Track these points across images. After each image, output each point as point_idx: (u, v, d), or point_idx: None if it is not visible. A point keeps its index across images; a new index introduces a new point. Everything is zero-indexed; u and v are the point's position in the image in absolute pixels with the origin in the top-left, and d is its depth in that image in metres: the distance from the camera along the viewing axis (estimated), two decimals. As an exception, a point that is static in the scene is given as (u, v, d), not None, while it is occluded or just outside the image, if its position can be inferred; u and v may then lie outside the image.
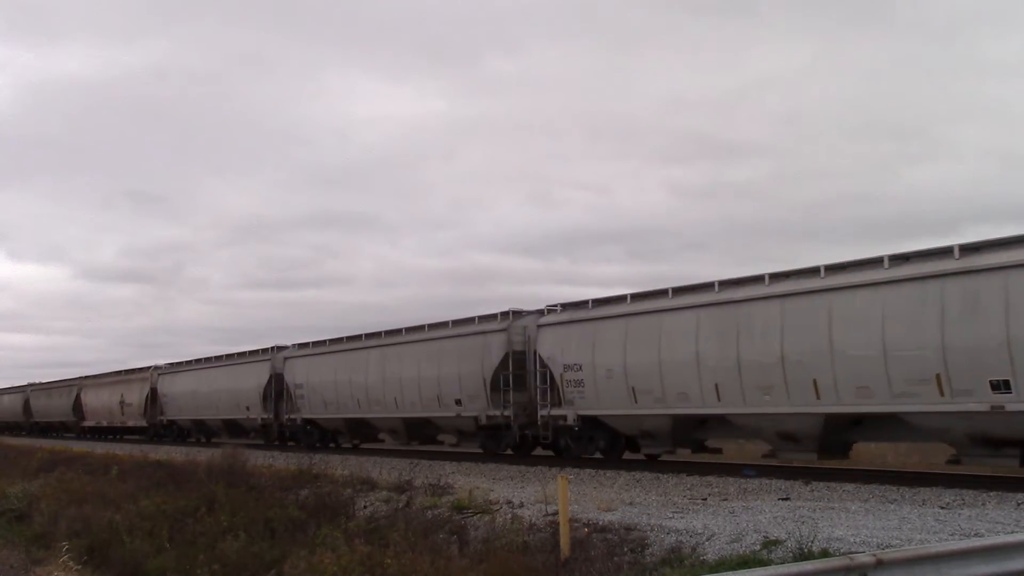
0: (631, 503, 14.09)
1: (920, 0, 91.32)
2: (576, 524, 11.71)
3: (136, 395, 48.08)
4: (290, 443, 35.20)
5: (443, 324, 27.38)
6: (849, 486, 15.26)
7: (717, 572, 8.00)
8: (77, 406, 56.43)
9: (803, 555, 9.00)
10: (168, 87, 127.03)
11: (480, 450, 25.97)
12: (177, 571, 13.19)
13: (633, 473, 19.06)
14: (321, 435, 34.09)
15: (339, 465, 22.10)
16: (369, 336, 30.94)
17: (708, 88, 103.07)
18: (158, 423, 45.92)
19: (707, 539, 10.60)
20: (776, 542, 9.90)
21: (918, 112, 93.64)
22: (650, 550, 10.68)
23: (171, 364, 46.64)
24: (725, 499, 14.46)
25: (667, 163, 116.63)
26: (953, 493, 13.85)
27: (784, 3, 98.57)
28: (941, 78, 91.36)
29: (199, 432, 43.99)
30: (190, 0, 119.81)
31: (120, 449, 36.54)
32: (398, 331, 29.44)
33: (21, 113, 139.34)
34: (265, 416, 36.23)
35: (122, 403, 49.62)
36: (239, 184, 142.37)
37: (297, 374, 34.50)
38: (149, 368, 47.87)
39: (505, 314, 24.78)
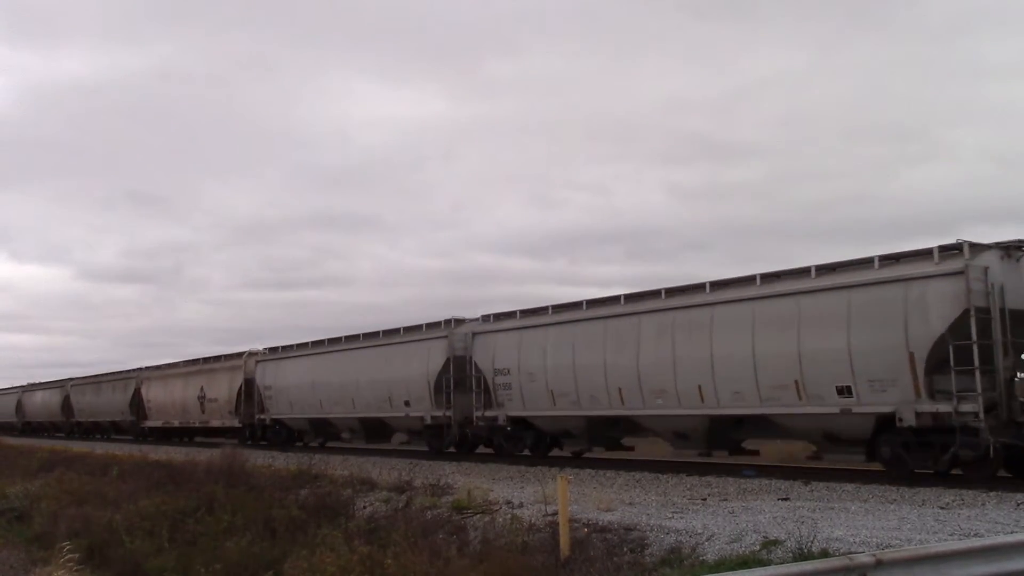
0: (631, 503, 14.10)
1: (917, 2, 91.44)
2: (576, 524, 11.71)
3: (224, 388, 38.87)
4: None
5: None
6: (849, 486, 15.27)
7: (717, 572, 8.01)
8: (136, 403, 47.35)
9: (803, 555, 9.01)
10: (170, 89, 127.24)
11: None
12: (177, 571, 13.19)
13: (633, 473, 19.08)
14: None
15: (339, 465, 22.11)
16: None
17: (707, 89, 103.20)
18: (257, 423, 36.59)
19: (707, 539, 10.61)
20: (776, 542, 9.91)
21: (916, 113, 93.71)
22: (650, 550, 10.68)
23: (275, 349, 37.05)
24: (725, 499, 14.47)
25: (666, 164, 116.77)
26: (953, 493, 13.86)
27: (782, 6, 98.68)
28: (939, 80, 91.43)
29: (318, 434, 34.55)
30: (192, 4, 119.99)
31: (119, 449, 36.51)
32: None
33: (23, 115, 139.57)
34: (437, 413, 27.06)
35: (203, 398, 40.44)
36: (240, 185, 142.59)
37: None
38: (243, 354, 38.49)
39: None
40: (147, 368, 48.41)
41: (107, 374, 53.34)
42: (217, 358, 41.03)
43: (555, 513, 11.72)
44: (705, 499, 14.56)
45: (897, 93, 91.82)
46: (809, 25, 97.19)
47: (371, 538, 12.43)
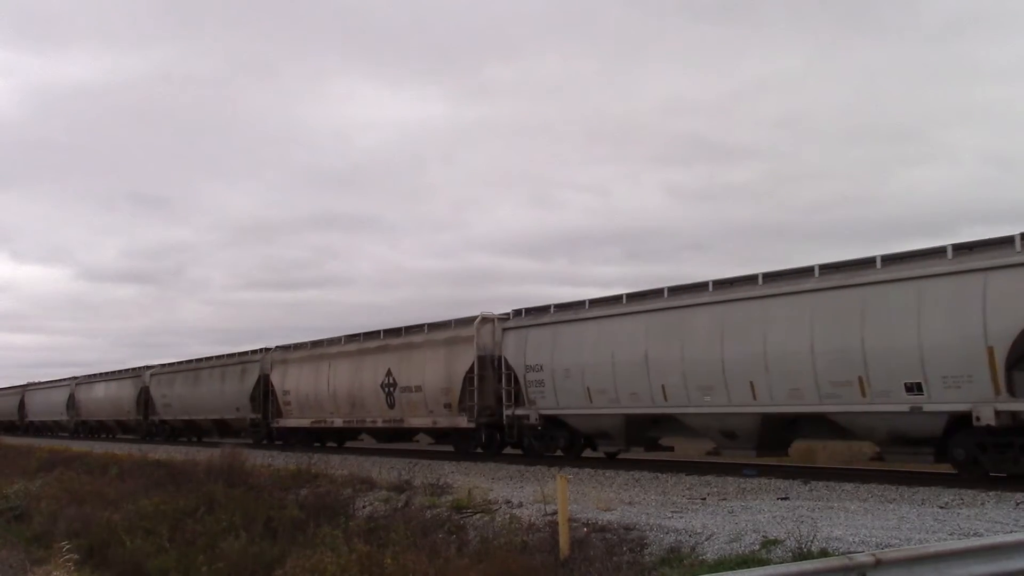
0: (630, 503, 14.09)
1: (913, 5, 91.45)
2: (575, 524, 11.71)
3: (439, 372, 26.14)
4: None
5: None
6: (848, 486, 15.26)
7: (716, 572, 8.01)
8: (261, 394, 34.91)
9: (802, 555, 9.01)
10: (172, 91, 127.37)
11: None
12: (177, 571, 13.20)
13: (632, 473, 19.07)
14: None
15: (338, 465, 22.10)
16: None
17: (705, 91, 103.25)
18: (509, 421, 24.03)
19: (706, 539, 10.61)
20: (775, 542, 9.91)
21: (914, 115, 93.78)
22: (649, 550, 10.68)
23: (529, 311, 24.60)
24: (724, 499, 14.47)
25: (665, 165, 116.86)
26: (952, 493, 13.85)
27: (779, 8, 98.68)
28: (935, 82, 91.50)
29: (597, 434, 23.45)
30: (195, 7, 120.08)
31: (119, 449, 36.49)
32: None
33: (26, 117, 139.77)
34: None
35: (391, 385, 27.80)
36: (241, 186, 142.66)
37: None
38: (472, 320, 25.56)
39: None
40: (278, 348, 35.20)
41: (211, 358, 40.34)
42: (418, 328, 27.88)
43: (555, 512, 11.72)
44: (704, 499, 14.55)
45: (894, 95, 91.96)
46: (806, 27, 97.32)
47: (370, 538, 12.44)
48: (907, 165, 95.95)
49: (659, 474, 18.60)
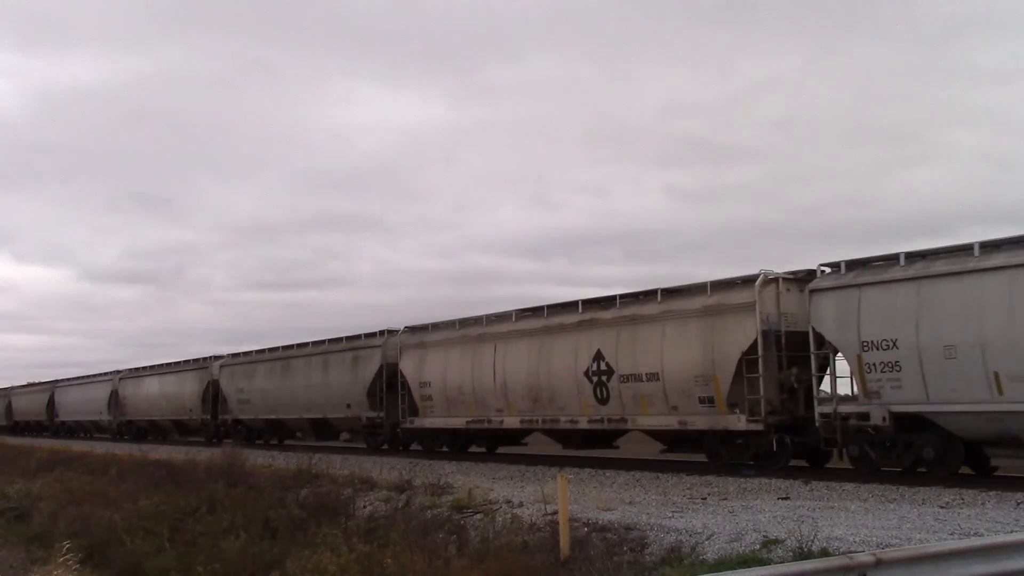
0: (631, 502, 14.09)
1: (910, 8, 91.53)
2: (576, 523, 11.70)
3: (692, 352, 19.42)
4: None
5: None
6: (849, 486, 15.24)
7: (717, 571, 8.00)
8: (382, 390, 28.74)
9: (803, 554, 9.00)
10: (173, 93, 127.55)
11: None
12: (177, 571, 13.19)
13: (633, 473, 19.05)
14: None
15: (339, 465, 22.08)
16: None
17: (705, 92, 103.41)
18: (849, 422, 17.56)
19: (707, 538, 10.60)
20: (776, 541, 9.90)
21: (912, 116, 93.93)
22: (650, 549, 10.67)
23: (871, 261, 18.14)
24: (724, 498, 14.46)
25: (665, 166, 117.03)
26: (952, 493, 13.84)
27: (777, 10, 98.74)
28: (933, 83, 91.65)
29: None
30: (196, 10, 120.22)
31: (119, 449, 36.49)
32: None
33: (29, 119, 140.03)
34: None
35: (602, 372, 21.15)
36: (242, 187, 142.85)
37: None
38: (752, 281, 18.76)
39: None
40: (409, 330, 28.94)
41: (306, 344, 34.38)
42: (648, 295, 21.18)
43: (555, 512, 11.71)
44: (705, 498, 14.54)
45: (892, 96, 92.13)
46: (804, 29, 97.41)
47: (371, 537, 12.43)
48: (906, 166, 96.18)
49: (659, 474, 18.58)
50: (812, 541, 9.35)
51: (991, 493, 13.58)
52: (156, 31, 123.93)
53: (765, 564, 8.59)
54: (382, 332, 29.62)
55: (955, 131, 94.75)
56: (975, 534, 9.66)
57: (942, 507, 12.45)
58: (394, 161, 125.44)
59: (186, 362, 44.07)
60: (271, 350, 36.65)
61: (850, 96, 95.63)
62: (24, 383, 68.88)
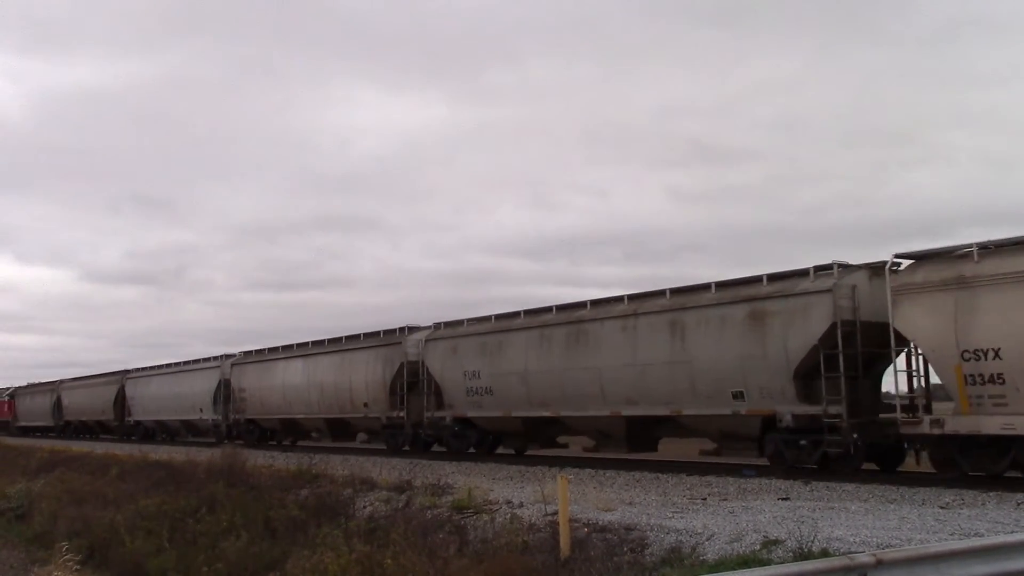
0: (631, 503, 14.08)
1: (908, 11, 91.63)
2: (576, 524, 11.69)
3: None
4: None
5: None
6: (849, 486, 15.25)
7: (717, 572, 8.00)
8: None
9: (803, 555, 8.99)
10: (176, 96, 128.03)
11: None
12: (177, 571, 13.19)
13: (633, 473, 19.05)
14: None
15: (339, 465, 22.08)
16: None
17: (704, 95, 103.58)
18: None
19: (707, 539, 10.59)
20: (776, 542, 9.90)
21: (910, 118, 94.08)
22: (650, 550, 10.67)
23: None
24: (725, 499, 14.45)
25: (664, 168, 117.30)
26: (953, 493, 13.84)
27: (776, 13, 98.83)
28: (931, 85, 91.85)
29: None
30: (200, 14, 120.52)
31: (119, 449, 36.48)
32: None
33: (33, 121, 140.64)
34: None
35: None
36: (243, 188, 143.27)
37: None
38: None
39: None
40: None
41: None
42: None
43: (555, 513, 11.71)
44: (705, 499, 14.54)
45: (891, 98, 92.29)
46: (803, 32, 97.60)
47: (371, 538, 12.42)
48: (904, 167, 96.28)
49: (660, 474, 18.58)
50: (812, 541, 9.34)
51: (991, 494, 13.58)
52: (159, 35, 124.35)
53: (765, 564, 8.58)
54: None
55: (953, 133, 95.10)
56: (976, 534, 9.66)
57: (942, 507, 12.45)
58: (395, 163, 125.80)
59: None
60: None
61: (849, 98, 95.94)
62: (79, 375, 59.76)
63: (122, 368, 51.36)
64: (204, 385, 40.56)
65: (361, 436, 32.39)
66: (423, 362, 27.03)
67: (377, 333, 30.05)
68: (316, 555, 11.33)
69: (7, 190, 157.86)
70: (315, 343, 33.67)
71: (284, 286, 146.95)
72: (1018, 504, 12.53)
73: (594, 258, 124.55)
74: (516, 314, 24.76)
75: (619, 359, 20.94)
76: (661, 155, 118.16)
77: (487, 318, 25.94)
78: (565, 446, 26.81)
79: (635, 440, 21.66)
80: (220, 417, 38.63)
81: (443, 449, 27.51)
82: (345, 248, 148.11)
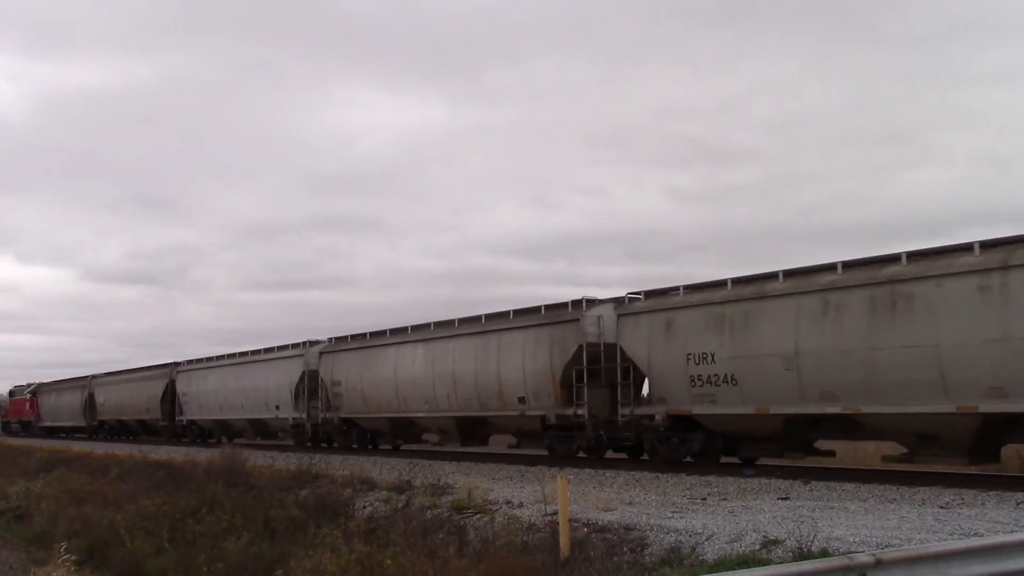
0: (630, 503, 14.08)
1: (906, 11, 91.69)
2: (576, 524, 11.69)
3: None
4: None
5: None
6: (848, 486, 15.25)
7: (717, 572, 8.00)
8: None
9: (803, 555, 8.99)
10: (177, 96, 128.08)
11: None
12: (177, 571, 13.19)
13: (632, 473, 19.04)
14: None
15: (339, 465, 22.08)
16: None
17: (703, 95, 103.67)
18: None
19: (706, 539, 10.59)
20: (776, 542, 9.90)
21: (909, 118, 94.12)
22: (649, 550, 10.66)
23: None
24: (724, 499, 14.45)
25: (664, 168, 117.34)
26: (952, 493, 13.84)
27: (774, 13, 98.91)
28: (930, 86, 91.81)
29: None
30: (201, 15, 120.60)
31: (120, 449, 36.48)
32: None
33: (34, 122, 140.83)
34: None
35: None
36: (243, 188, 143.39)
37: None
38: None
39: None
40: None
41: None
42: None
43: (555, 513, 11.71)
44: (705, 499, 14.54)
45: (890, 98, 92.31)
46: (801, 32, 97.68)
47: (370, 538, 12.41)
48: (903, 167, 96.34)
49: (659, 474, 18.57)
50: (812, 541, 9.34)
51: (991, 493, 13.59)
52: (160, 35, 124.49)
53: (765, 564, 8.59)
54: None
55: (952, 133, 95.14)
56: (975, 534, 9.66)
57: (942, 507, 12.45)
58: (395, 163, 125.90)
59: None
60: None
61: (847, 98, 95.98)
62: (114, 370, 52.74)
63: (171, 361, 44.80)
64: (282, 378, 33.59)
65: (505, 440, 26.43)
66: (619, 344, 20.92)
67: (537, 309, 23.73)
68: (316, 555, 11.32)
69: (8, 190, 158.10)
70: (439, 324, 26.93)
71: (284, 286, 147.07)
72: (1018, 504, 12.53)
73: (594, 258, 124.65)
74: (772, 275, 18.29)
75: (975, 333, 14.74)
76: (661, 155, 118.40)
77: (720, 283, 19.36)
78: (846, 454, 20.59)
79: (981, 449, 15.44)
80: (303, 415, 32.09)
81: (626, 456, 22.42)
82: (345, 248, 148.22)
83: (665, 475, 18.43)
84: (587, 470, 19.99)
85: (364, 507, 15.72)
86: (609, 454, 23.15)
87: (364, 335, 30.37)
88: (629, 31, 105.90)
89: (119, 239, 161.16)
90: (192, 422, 41.73)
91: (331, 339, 32.30)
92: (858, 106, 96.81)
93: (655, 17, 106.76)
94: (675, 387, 19.61)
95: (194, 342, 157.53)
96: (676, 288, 20.30)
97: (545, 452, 23.24)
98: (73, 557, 13.95)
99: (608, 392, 21.45)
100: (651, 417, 20.40)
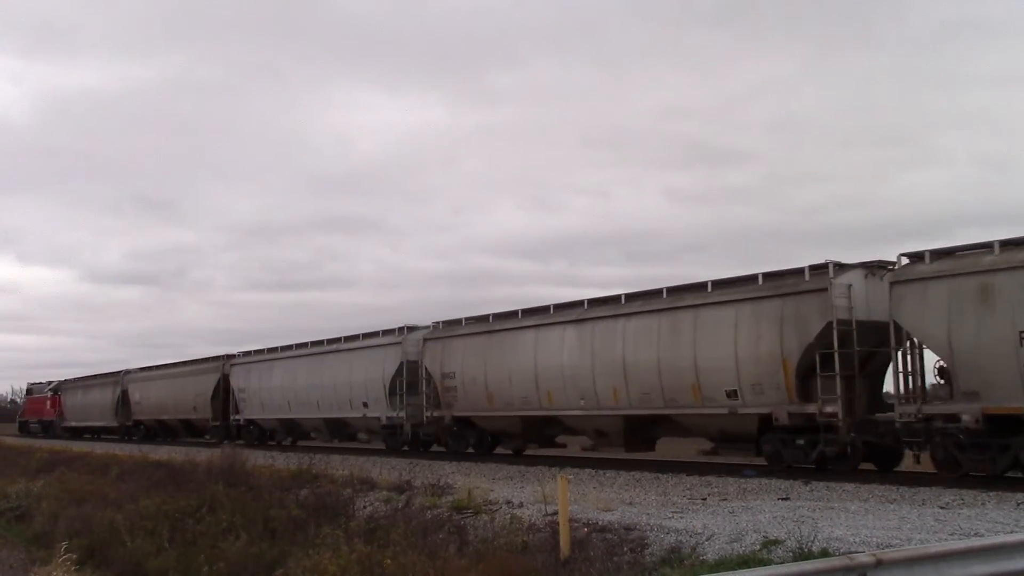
0: (631, 503, 14.08)
1: (904, 13, 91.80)
2: (576, 524, 11.69)
3: None
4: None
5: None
6: (849, 486, 15.24)
7: (717, 572, 8.00)
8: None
9: (803, 555, 8.99)
10: (178, 97, 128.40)
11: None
12: (177, 571, 13.18)
13: (633, 473, 19.04)
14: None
15: (339, 465, 22.08)
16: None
17: (702, 96, 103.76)
18: None
19: (707, 539, 10.59)
20: (776, 542, 9.90)
21: (908, 120, 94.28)
22: (650, 550, 10.66)
23: None
24: (725, 499, 14.45)
25: (663, 169, 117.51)
26: (952, 493, 13.84)
27: (774, 15, 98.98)
28: (928, 87, 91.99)
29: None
30: (202, 17, 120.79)
31: (120, 449, 36.48)
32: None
33: (35, 123, 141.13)
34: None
35: None
36: (244, 189, 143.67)
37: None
38: None
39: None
40: None
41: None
42: None
43: (555, 513, 11.71)
44: (705, 499, 14.54)
45: (889, 100, 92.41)
46: (800, 34, 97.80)
47: (371, 538, 12.41)
48: (903, 168, 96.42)
49: (659, 475, 18.56)
50: (812, 541, 9.35)
51: (991, 494, 13.58)
52: (161, 37, 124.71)
53: (765, 565, 8.59)
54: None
55: (951, 134, 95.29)
56: (975, 534, 9.66)
57: (942, 508, 12.45)
58: (395, 164, 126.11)
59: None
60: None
61: (847, 99, 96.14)
62: (150, 364, 47.51)
63: (223, 353, 40.34)
64: (372, 370, 29.06)
65: (694, 444, 23.12)
66: (892, 320, 16.41)
67: (753, 278, 18.88)
68: (316, 555, 11.32)
69: (9, 191, 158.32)
70: (597, 301, 22.45)
71: (284, 286, 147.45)
72: (1018, 504, 12.53)
73: (594, 258, 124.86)
74: None
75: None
76: (660, 156, 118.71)
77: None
78: None
79: None
80: (400, 414, 27.60)
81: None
82: (345, 249, 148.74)
83: (665, 475, 18.43)
84: (587, 470, 19.97)
85: (364, 507, 15.72)
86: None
87: (486, 317, 25.91)
88: (628, 32, 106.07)
89: (119, 240, 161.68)
90: (251, 422, 36.98)
91: (436, 323, 27.89)
92: (858, 107, 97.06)
93: (655, 18, 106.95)
94: (998, 377, 14.92)
95: (194, 342, 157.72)
96: (988, 244, 15.47)
97: (764, 462, 18.76)
98: (73, 557, 13.92)
99: (867, 384, 17.58)
100: (954, 417, 15.65)
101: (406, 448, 28.03)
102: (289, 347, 35.55)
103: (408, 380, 27.29)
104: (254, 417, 37.00)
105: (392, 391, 27.89)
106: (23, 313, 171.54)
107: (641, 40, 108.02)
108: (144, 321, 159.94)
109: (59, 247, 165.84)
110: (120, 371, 48.85)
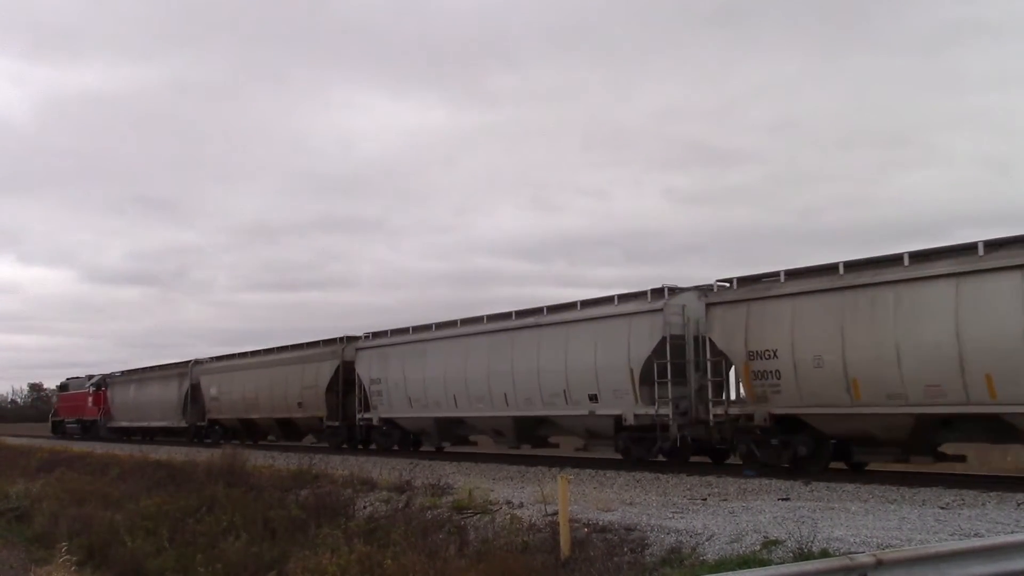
0: (631, 503, 14.07)
1: (903, 14, 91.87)
2: (576, 524, 11.69)
3: None
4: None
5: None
6: (849, 486, 15.24)
7: (717, 572, 8.00)
8: None
9: (803, 555, 8.99)
10: (179, 98, 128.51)
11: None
12: (177, 571, 13.20)
13: (633, 473, 19.04)
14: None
15: (339, 465, 22.08)
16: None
17: (702, 97, 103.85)
18: None
19: (707, 539, 10.59)
20: (776, 542, 9.89)
21: (908, 121, 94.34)
22: (650, 550, 10.67)
23: None
24: (725, 499, 14.45)
25: (663, 169, 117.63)
26: (953, 493, 13.84)
27: (773, 17, 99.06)
28: (927, 88, 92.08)
29: None
30: (203, 19, 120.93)
31: (120, 449, 36.49)
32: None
33: (37, 124, 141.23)
34: None
35: None
36: (245, 190, 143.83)
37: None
38: None
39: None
40: None
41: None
42: None
43: (555, 513, 11.71)
44: (705, 499, 14.53)
45: (888, 101, 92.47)
46: (800, 35, 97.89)
47: (371, 538, 12.42)
48: (902, 169, 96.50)
49: (660, 475, 18.56)
50: (812, 542, 9.34)
51: (992, 494, 13.58)
52: (162, 39, 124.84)
53: (765, 565, 8.59)
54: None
55: (950, 135, 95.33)
56: (976, 535, 9.65)
57: (942, 508, 12.44)
58: (395, 165, 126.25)
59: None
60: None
61: (846, 100, 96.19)
62: (224, 352, 39.81)
63: (343, 336, 31.33)
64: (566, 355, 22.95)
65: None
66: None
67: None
68: (316, 555, 11.33)
69: (11, 192, 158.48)
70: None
71: (285, 287, 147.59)
72: (1018, 504, 12.53)
73: (594, 259, 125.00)
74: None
75: None
76: (660, 156, 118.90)
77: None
78: None
79: None
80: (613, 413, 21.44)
81: None
82: (346, 249, 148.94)
83: (666, 475, 18.43)
84: (587, 470, 19.97)
85: (364, 507, 15.72)
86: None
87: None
88: (629, 33, 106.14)
89: (120, 240, 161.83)
90: (388, 421, 28.88)
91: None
92: (857, 108, 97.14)
93: (655, 19, 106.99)
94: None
95: (195, 343, 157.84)
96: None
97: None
98: (74, 557, 13.94)
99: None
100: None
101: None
102: (452, 323, 26.82)
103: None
104: (394, 416, 28.56)
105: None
106: (24, 313, 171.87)
107: (641, 40, 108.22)
108: (145, 321, 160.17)
109: (60, 247, 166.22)
110: (188, 361, 41.33)
